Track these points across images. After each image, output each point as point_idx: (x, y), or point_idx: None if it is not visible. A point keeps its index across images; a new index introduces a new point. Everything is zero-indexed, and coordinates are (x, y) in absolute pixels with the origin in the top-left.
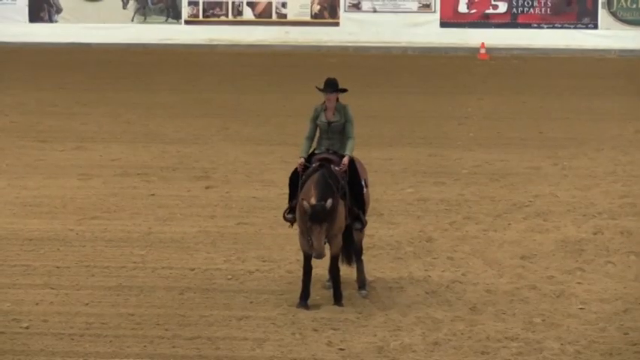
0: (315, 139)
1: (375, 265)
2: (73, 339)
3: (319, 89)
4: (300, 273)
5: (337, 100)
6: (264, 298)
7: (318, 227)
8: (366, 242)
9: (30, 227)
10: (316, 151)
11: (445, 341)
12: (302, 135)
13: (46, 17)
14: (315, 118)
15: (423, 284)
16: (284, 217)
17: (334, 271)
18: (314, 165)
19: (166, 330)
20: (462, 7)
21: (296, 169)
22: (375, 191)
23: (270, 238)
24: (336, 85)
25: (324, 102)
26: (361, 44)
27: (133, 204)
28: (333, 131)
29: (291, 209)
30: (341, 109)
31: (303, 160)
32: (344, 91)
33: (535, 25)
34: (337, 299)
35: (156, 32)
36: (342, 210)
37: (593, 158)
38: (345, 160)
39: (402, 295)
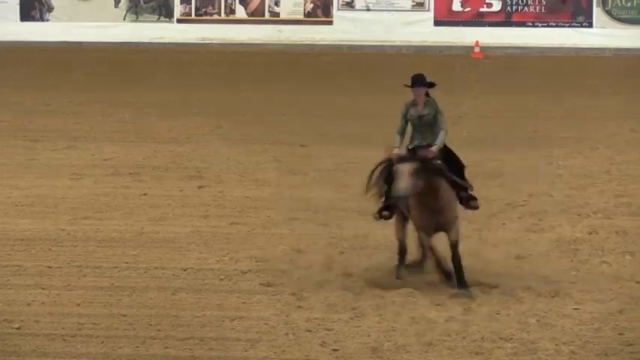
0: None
1: (368, 265)
2: (64, 340)
3: (407, 86)
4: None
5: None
6: (257, 299)
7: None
8: (359, 242)
9: (21, 227)
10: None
11: (439, 342)
12: (298, 134)
13: (38, 16)
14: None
15: (417, 284)
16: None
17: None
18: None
19: (159, 331)
20: (456, 6)
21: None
22: None
23: (263, 238)
24: (423, 80)
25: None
26: (355, 43)
27: (125, 204)
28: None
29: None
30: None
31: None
32: (432, 85)
33: (529, 24)
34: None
35: (148, 31)
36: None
37: (588, 157)
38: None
39: (396, 295)
